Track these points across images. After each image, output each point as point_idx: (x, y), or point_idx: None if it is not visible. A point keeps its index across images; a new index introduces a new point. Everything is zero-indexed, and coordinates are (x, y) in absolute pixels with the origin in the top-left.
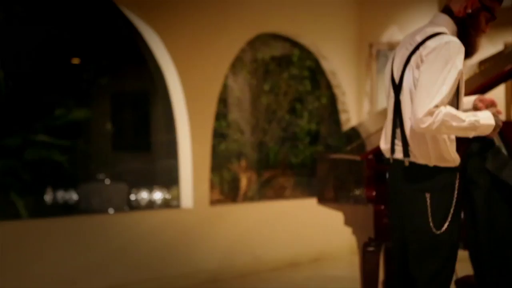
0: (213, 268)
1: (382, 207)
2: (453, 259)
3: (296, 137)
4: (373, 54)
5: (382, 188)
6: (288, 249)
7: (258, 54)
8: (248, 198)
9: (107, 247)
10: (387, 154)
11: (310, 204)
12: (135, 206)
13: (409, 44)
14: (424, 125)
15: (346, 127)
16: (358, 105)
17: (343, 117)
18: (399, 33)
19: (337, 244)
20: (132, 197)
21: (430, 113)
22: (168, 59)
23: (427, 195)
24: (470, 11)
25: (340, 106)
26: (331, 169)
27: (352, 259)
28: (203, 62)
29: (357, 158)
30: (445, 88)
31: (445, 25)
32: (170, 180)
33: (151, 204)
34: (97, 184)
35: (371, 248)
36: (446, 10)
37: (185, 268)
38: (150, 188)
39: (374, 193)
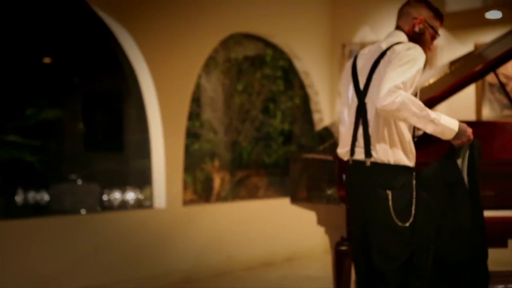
0: (187, 268)
1: None
2: None
3: (269, 137)
4: (346, 54)
5: None
6: (261, 249)
7: (231, 54)
8: (221, 198)
9: (79, 248)
10: (345, 157)
11: (283, 204)
12: (107, 207)
13: (373, 52)
14: (385, 103)
15: (319, 126)
16: (331, 105)
17: (316, 117)
18: (371, 33)
19: (310, 244)
20: (105, 197)
21: (391, 92)
22: (140, 58)
23: (389, 193)
24: (417, 30)
25: (313, 106)
26: (304, 169)
27: (326, 258)
28: (176, 62)
29: (330, 158)
30: (408, 75)
31: (402, 39)
32: (143, 180)
33: (123, 205)
34: (69, 184)
35: (343, 247)
36: (398, 28)
37: (158, 268)
38: (122, 188)
39: (346, 193)
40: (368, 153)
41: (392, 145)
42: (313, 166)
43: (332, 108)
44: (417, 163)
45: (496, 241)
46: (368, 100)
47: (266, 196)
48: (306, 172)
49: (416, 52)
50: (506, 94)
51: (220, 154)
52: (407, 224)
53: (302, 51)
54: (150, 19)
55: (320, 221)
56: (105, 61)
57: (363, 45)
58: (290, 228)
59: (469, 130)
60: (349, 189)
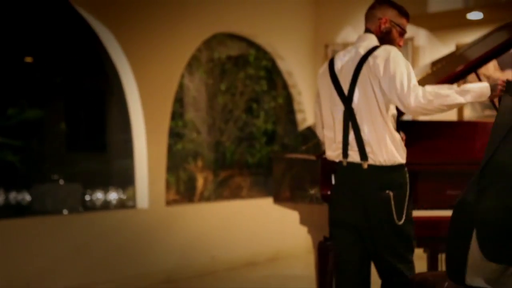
0: (170, 268)
1: None
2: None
3: (252, 137)
4: (329, 54)
5: None
6: (244, 249)
7: (215, 53)
8: (204, 198)
9: (61, 248)
10: (337, 159)
11: (266, 204)
12: (90, 207)
13: (352, 57)
14: (414, 104)
15: (302, 126)
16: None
17: (299, 116)
18: (354, 33)
19: (293, 243)
20: (87, 197)
21: (412, 92)
22: (123, 58)
23: (390, 193)
24: (383, 29)
25: (296, 106)
26: (287, 168)
27: (309, 258)
28: (158, 61)
29: (313, 157)
30: (410, 74)
31: (375, 41)
32: (125, 180)
33: (106, 205)
34: (51, 184)
35: (326, 247)
36: (367, 30)
37: (141, 268)
38: (105, 188)
39: (329, 192)
40: (364, 156)
41: (386, 146)
42: (296, 166)
43: None
44: (409, 162)
45: None
46: (354, 105)
47: (249, 196)
48: (289, 172)
49: (396, 52)
50: None
51: (203, 154)
52: (401, 222)
53: (285, 51)
54: (132, 19)
55: (303, 221)
56: (88, 61)
57: (345, 45)
58: (273, 228)
59: (494, 76)
60: (341, 190)
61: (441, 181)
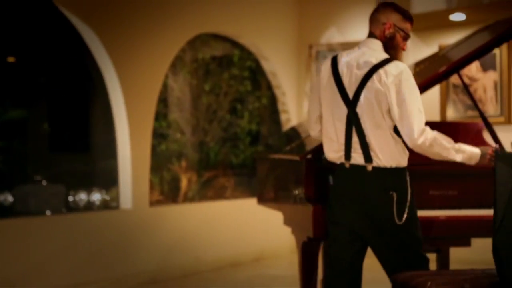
0: (154, 269)
1: (321, 206)
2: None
3: (236, 137)
4: (313, 55)
5: (321, 188)
6: (229, 249)
7: (199, 54)
8: (188, 199)
9: (44, 249)
10: (338, 161)
11: (250, 204)
12: (73, 208)
13: (361, 64)
14: (419, 142)
15: (286, 127)
16: (298, 105)
17: (283, 117)
18: (338, 34)
19: (277, 244)
20: (70, 198)
21: (422, 131)
22: (106, 58)
23: (394, 194)
24: (387, 35)
25: (280, 107)
26: (271, 169)
27: (292, 258)
28: (142, 62)
29: (297, 158)
30: (419, 100)
31: (381, 49)
32: (109, 181)
33: (89, 206)
34: (33, 185)
35: (310, 247)
36: (372, 35)
37: (125, 269)
38: (88, 189)
39: (312, 193)
40: (368, 158)
41: (389, 150)
42: (280, 166)
43: (299, 108)
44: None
45: (460, 240)
46: (359, 109)
47: (233, 196)
48: (273, 173)
49: (408, 73)
50: (470, 95)
51: (187, 154)
52: (402, 222)
53: (270, 51)
54: (116, 19)
55: (287, 221)
56: (71, 62)
57: (329, 46)
58: (257, 228)
59: (487, 146)
60: (342, 192)
61: (423, 181)
